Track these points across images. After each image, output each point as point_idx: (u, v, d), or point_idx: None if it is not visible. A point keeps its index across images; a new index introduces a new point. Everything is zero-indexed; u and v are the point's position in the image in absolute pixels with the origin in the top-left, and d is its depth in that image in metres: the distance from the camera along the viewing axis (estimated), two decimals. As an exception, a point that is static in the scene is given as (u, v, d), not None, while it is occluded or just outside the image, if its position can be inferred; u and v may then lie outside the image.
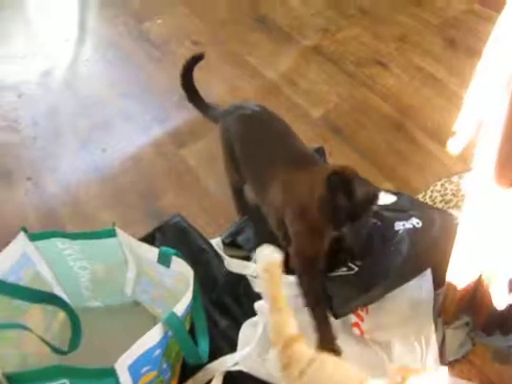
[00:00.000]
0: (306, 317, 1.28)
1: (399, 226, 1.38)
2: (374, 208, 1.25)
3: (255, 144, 1.45)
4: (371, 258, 1.36)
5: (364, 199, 1.21)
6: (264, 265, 1.04)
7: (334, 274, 1.35)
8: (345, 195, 1.19)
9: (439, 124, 1.91)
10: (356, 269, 1.35)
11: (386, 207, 1.43)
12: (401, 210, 1.44)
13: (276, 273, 1.04)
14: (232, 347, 1.32)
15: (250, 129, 1.48)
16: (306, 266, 1.32)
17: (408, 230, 1.36)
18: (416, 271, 1.36)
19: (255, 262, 1.06)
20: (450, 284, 1.26)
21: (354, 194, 1.19)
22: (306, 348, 0.97)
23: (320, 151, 1.73)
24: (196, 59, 1.61)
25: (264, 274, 1.04)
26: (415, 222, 1.38)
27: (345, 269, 1.36)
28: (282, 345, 0.98)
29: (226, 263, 1.48)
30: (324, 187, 1.22)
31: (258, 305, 1.36)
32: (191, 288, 1.15)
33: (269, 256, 1.05)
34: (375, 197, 1.24)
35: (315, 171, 1.32)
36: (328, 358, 0.96)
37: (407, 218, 1.39)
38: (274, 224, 1.41)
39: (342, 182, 1.20)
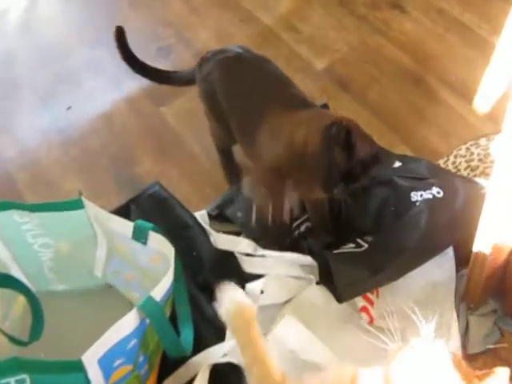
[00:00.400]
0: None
1: (416, 196, 1.38)
2: (374, 171, 1.25)
3: (242, 89, 1.45)
4: (383, 233, 1.37)
5: (365, 159, 1.21)
6: (233, 309, 1.02)
7: (339, 250, 1.35)
8: (344, 151, 1.19)
9: (465, 77, 1.89)
10: (365, 246, 1.35)
11: (401, 174, 1.43)
12: (419, 178, 1.44)
13: (250, 318, 1.02)
14: (220, 338, 1.31)
15: (233, 73, 1.48)
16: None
17: (427, 201, 1.35)
18: (436, 249, 1.36)
19: (221, 301, 1.04)
20: (475, 264, 1.26)
21: (355, 152, 1.19)
22: None
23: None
24: (120, 33, 1.60)
25: (234, 320, 1.03)
26: (435, 191, 1.37)
27: (352, 245, 1.36)
28: None
29: (212, 239, 1.48)
30: (321, 138, 1.22)
31: (250, 287, 1.36)
32: (172, 268, 1.15)
33: (237, 298, 1.04)
34: (378, 157, 1.24)
35: (312, 115, 1.32)
36: None
37: (426, 188, 1.39)
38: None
39: (343, 135, 1.19)
